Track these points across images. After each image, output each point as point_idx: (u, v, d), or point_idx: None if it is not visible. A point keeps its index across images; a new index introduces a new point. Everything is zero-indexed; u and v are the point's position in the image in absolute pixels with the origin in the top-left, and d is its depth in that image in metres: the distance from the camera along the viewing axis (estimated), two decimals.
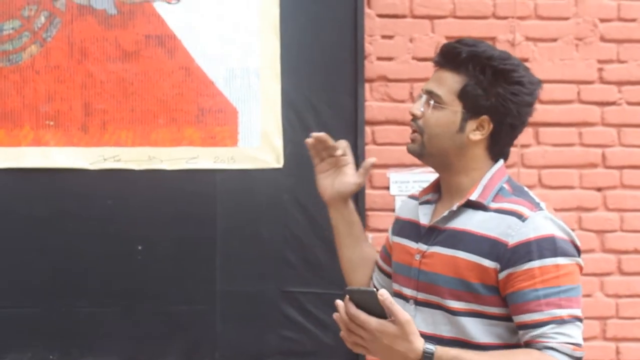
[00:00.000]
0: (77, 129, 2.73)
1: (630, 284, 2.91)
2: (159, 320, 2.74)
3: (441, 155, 1.84)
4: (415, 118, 1.84)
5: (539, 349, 1.70)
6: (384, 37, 2.88)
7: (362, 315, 1.58)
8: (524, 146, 2.88)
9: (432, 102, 1.82)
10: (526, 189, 1.85)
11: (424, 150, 1.85)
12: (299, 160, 2.71)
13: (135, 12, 2.75)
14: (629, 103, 2.93)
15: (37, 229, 2.72)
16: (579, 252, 1.76)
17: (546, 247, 1.71)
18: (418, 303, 1.84)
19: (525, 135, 2.85)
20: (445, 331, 1.78)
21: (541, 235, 1.72)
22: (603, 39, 2.93)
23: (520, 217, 1.73)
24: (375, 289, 1.54)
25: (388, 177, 2.84)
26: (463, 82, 1.80)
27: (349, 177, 2.05)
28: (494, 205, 1.78)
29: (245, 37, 2.78)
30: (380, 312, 1.54)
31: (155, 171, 2.74)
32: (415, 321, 1.76)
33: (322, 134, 2.05)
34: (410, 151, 1.86)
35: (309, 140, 2.06)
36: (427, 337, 1.74)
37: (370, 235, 2.79)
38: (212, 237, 2.72)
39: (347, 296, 1.57)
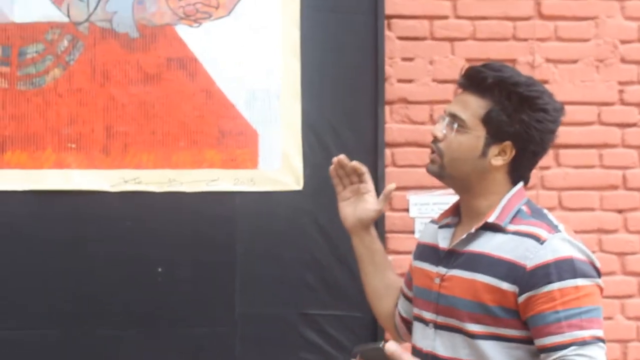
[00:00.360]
0: (99, 152, 2.74)
1: None
2: (179, 342, 2.72)
3: (462, 178, 1.84)
4: (436, 140, 1.83)
5: None
6: (404, 59, 2.89)
7: None
8: (543, 168, 2.88)
9: (455, 125, 1.81)
10: (545, 211, 1.84)
11: (443, 172, 1.84)
12: (319, 182, 2.72)
13: (157, 35, 2.75)
14: None
15: (58, 251, 2.71)
16: (599, 273, 1.74)
17: (565, 269, 1.70)
18: (437, 327, 1.83)
19: (546, 157, 2.72)
20: (464, 354, 1.77)
21: (560, 257, 1.70)
22: (624, 61, 2.93)
23: (538, 239, 1.72)
24: (382, 344, 1.56)
25: (408, 199, 2.84)
26: (488, 107, 1.79)
27: (370, 204, 2.05)
28: (512, 227, 1.77)
29: (266, 59, 2.78)
30: None
31: (175, 193, 2.73)
32: (434, 345, 1.82)
33: (341, 156, 2.05)
34: (429, 172, 1.86)
35: (331, 168, 2.07)
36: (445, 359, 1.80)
37: (390, 257, 2.77)
38: (232, 259, 2.71)
39: (358, 356, 1.60)
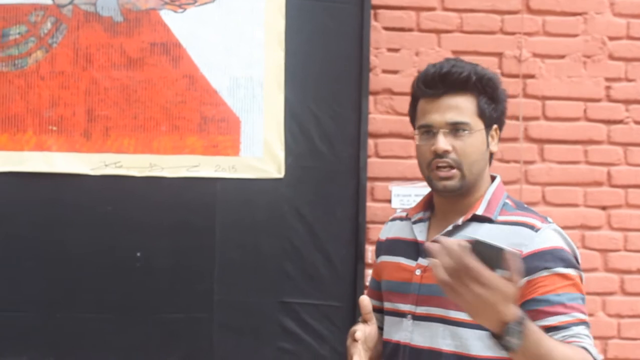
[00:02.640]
0: (80, 135, 2.68)
1: (633, 304, 2.84)
2: (156, 328, 2.66)
3: (477, 179, 1.82)
4: (447, 153, 1.76)
5: (574, 347, 1.65)
6: (389, 50, 2.82)
7: (487, 272, 1.46)
8: (527, 162, 2.82)
9: (464, 131, 1.77)
10: (526, 205, 1.87)
11: (464, 183, 1.79)
12: (301, 171, 2.70)
13: (141, 19, 2.68)
14: (636, 122, 2.87)
15: (37, 233, 2.65)
16: (580, 265, 1.77)
17: (559, 257, 1.72)
18: (416, 317, 1.80)
19: (530, 152, 2.83)
20: (445, 345, 1.75)
21: (554, 246, 1.73)
22: (611, 57, 2.87)
23: (533, 228, 1.73)
24: (503, 247, 1.46)
25: (390, 190, 2.78)
26: (474, 100, 1.79)
27: (371, 334, 1.89)
28: (501, 218, 1.77)
29: (250, 47, 2.72)
30: (493, 270, 1.48)
31: (156, 178, 2.68)
32: (411, 336, 1.80)
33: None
34: (445, 190, 1.78)
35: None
36: (426, 351, 1.77)
37: (369, 248, 2.73)
38: (211, 246, 2.65)
39: (470, 246, 1.48)
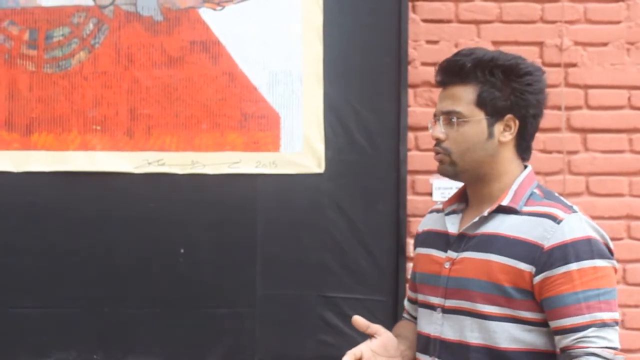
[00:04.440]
0: (123, 134, 2.68)
1: None
2: (200, 322, 2.66)
3: (475, 167, 1.78)
4: (440, 141, 1.79)
5: (579, 356, 1.63)
6: (428, 42, 2.76)
7: None
8: (570, 152, 2.75)
9: (454, 119, 1.77)
10: (557, 194, 1.81)
11: (456, 168, 1.79)
12: (341, 165, 2.68)
13: (180, 18, 2.67)
14: None
15: (83, 231, 2.66)
16: (612, 254, 1.71)
17: (583, 249, 1.65)
18: (445, 311, 1.78)
19: (573, 142, 2.76)
20: (472, 338, 1.73)
21: (578, 237, 1.66)
22: None
23: (555, 219, 1.68)
24: None
25: (431, 183, 2.72)
26: (476, 90, 1.76)
27: (382, 345, 1.85)
28: (526, 209, 1.73)
29: (289, 42, 2.69)
30: None
31: (197, 175, 2.67)
32: (442, 329, 1.78)
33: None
34: (442, 173, 1.82)
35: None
36: (455, 345, 1.76)
37: (410, 241, 2.66)
38: (253, 241, 2.63)
39: None
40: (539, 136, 2.60)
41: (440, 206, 1.92)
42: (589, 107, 2.77)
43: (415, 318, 1.97)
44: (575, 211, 1.72)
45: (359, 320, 1.85)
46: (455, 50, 2.63)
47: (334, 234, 2.63)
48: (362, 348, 1.84)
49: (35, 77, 2.66)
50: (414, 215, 2.69)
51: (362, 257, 2.66)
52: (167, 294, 2.64)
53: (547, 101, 1.82)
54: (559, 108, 2.71)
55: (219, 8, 2.67)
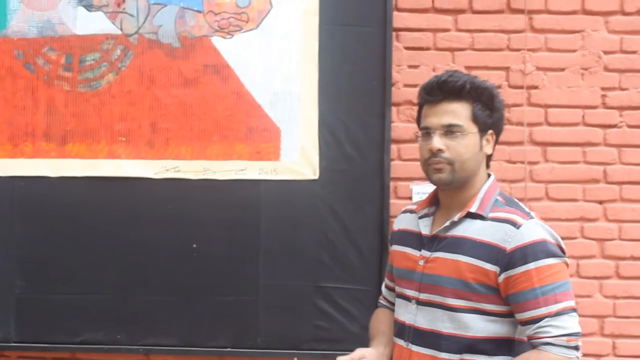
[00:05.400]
0: (145, 144, 2.75)
1: (627, 286, 2.83)
2: (210, 308, 2.73)
3: (469, 176, 1.80)
4: (440, 152, 1.77)
5: (537, 346, 1.69)
6: (410, 66, 2.83)
7: None
8: (532, 163, 2.81)
9: (457, 132, 1.77)
10: (516, 200, 1.86)
11: (455, 176, 1.78)
12: (333, 173, 2.71)
13: (195, 45, 2.74)
14: (629, 126, 2.83)
15: (110, 228, 2.73)
16: (564, 252, 1.77)
17: (539, 250, 1.70)
18: (419, 303, 1.82)
19: (534, 154, 2.82)
20: (444, 327, 1.77)
21: (534, 240, 1.71)
22: (606, 69, 2.83)
23: (515, 224, 1.72)
24: None
25: (411, 188, 2.80)
26: (470, 108, 1.78)
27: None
28: (491, 215, 1.77)
29: (288, 66, 2.74)
30: None
31: (209, 181, 2.73)
32: (415, 318, 1.82)
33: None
34: (440, 181, 1.79)
35: None
36: (428, 332, 1.79)
37: None
38: (257, 238, 2.70)
39: None
40: (505, 148, 2.80)
41: (413, 207, 1.96)
42: (549, 124, 2.82)
43: (392, 304, 2.00)
44: (532, 217, 1.77)
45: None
46: (433, 74, 2.71)
47: (327, 232, 2.69)
48: None
49: (70, 95, 2.72)
50: (396, 217, 2.76)
51: (351, 252, 2.70)
52: (182, 283, 2.70)
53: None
54: (522, 124, 2.78)
55: (228, 36, 2.73)
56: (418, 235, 1.86)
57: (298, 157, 2.72)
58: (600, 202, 2.83)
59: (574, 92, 2.82)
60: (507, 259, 1.70)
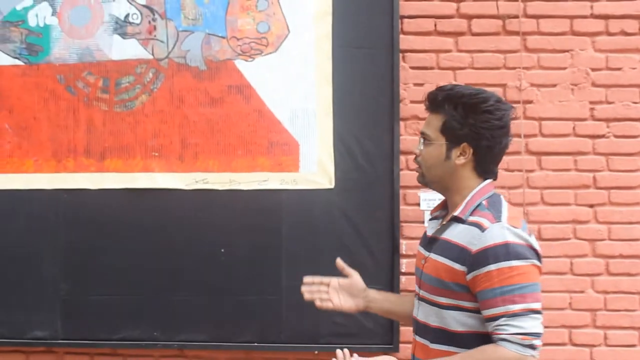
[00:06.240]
0: (176, 159, 2.85)
1: (616, 282, 2.92)
2: (237, 307, 2.82)
3: (438, 180, 1.84)
4: (416, 156, 1.85)
5: (495, 341, 1.68)
6: (415, 84, 2.92)
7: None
8: (529, 171, 2.91)
9: (426, 141, 1.81)
10: (504, 204, 1.78)
11: (426, 179, 1.85)
12: (347, 182, 2.78)
13: (220, 68, 2.85)
14: (616, 136, 2.92)
15: (145, 234, 2.83)
16: (538, 255, 1.72)
17: (501, 252, 1.68)
18: (419, 298, 1.87)
19: (530, 162, 2.90)
20: (432, 321, 1.81)
21: (497, 243, 1.69)
22: (594, 85, 2.92)
23: (481, 228, 1.71)
24: None
25: (419, 195, 2.88)
26: (442, 119, 1.78)
27: (351, 283, 2.04)
28: (470, 218, 1.75)
29: (305, 86, 2.83)
30: None
31: (234, 191, 2.82)
32: (417, 312, 1.86)
33: (315, 279, 2.07)
34: (418, 181, 1.88)
35: (305, 293, 2.06)
36: (422, 325, 1.83)
37: (403, 242, 2.84)
38: (279, 242, 2.79)
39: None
40: (503, 158, 2.55)
41: (437, 211, 1.96)
42: (543, 135, 2.90)
43: None
44: (499, 221, 1.71)
45: (339, 262, 1.99)
46: None
47: (342, 236, 2.78)
48: (332, 279, 1.99)
49: (107, 115, 2.85)
50: (406, 222, 2.85)
51: (364, 255, 2.77)
52: (211, 284, 2.81)
53: (509, 133, 1.77)
54: (519, 136, 2.84)
55: (250, 59, 2.84)
56: (426, 236, 1.92)
57: (315, 168, 2.81)
58: (591, 206, 2.91)
59: (565, 106, 2.91)
60: (472, 260, 1.70)
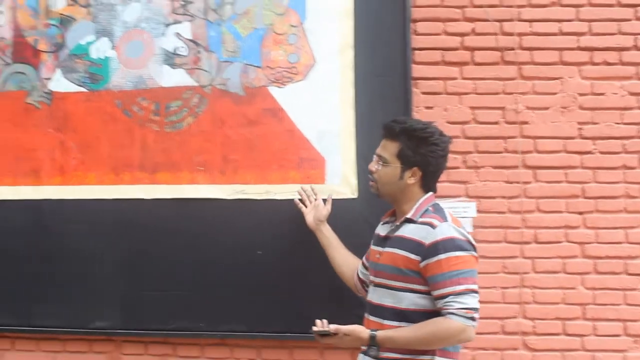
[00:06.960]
0: (218, 172, 2.99)
1: (603, 280, 3.05)
2: (272, 302, 2.96)
3: (390, 195, 2.21)
4: (371, 173, 2.20)
5: (444, 315, 1.98)
6: (426, 107, 3.06)
7: (341, 338, 2.07)
8: (525, 183, 3.04)
9: (381, 162, 2.15)
10: (446, 211, 2.12)
11: (380, 192, 2.22)
12: (369, 194, 2.72)
13: (256, 94, 3.01)
14: (601, 152, 3.05)
15: (191, 238, 2.98)
16: (474, 248, 2.06)
17: (449, 245, 2.02)
18: (375, 284, 2.21)
19: (527, 175, 3.05)
20: (387, 302, 2.12)
21: (445, 237, 2.03)
22: (581, 108, 3.05)
23: (432, 226, 2.07)
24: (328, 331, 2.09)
25: None
26: (398, 147, 2.13)
27: (322, 209, 2.55)
28: (420, 219, 2.11)
29: (330, 109, 2.97)
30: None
31: (270, 200, 2.95)
32: (372, 296, 2.17)
33: (305, 187, 2.48)
34: (373, 192, 2.22)
35: (298, 197, 2.45)
36: (377, 306, 2.13)
37: None
38: (310, 246, 2.85)
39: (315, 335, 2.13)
40: (503, 172, 2.99)
41: (387, 218, 2.31)
42: (538, 152, 3.03)
43: (358, 269, 2.41)
44: (446, 221, 2.05)
45: (329, 198, 2.43)
46: (444, 114, 3.05)
47: (364, 239, 2.65)
48: (320, 198, 2.39)
49: (158, 135, 3.01)
50: None
51: None
52: (248, 282, 2.94)
53: (447, 159, 2.09)
54: (517, 152, 3.00)
55: (282, 86, 2.99)
56: (378, 236, 2.25)
57: (339, 181, 2.94)
58: (580, 213, 3.03)
59: (557, 126, 3.03)
60: (426, 251, 2.01)
